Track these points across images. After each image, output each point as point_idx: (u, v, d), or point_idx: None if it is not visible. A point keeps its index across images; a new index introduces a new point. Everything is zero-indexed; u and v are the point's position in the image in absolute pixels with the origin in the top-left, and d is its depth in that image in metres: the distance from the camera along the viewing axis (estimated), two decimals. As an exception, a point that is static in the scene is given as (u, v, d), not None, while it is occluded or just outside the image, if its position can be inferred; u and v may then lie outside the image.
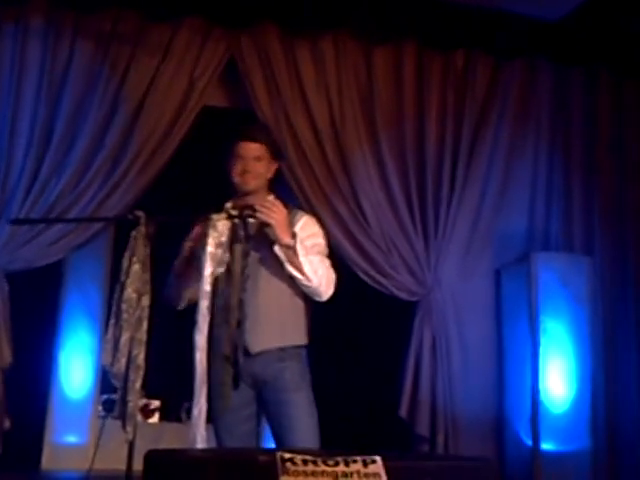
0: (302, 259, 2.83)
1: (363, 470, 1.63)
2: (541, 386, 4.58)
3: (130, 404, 2.47)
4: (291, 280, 2.89)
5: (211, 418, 2.84)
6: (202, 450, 2.10)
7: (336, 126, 4.84)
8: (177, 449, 1.76)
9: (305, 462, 1.62)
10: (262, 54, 4.80)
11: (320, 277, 2.88)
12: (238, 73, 4.79)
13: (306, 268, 2.84)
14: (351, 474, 1.62)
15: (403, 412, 4.57)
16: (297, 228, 2.97)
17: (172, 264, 3.02)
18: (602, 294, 4.98)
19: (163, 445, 4.87)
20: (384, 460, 1.65)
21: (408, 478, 1.66)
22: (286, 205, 2.97)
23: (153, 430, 5.54)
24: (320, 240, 3.06)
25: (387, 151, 4.89)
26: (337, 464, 1.64)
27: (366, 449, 1.75)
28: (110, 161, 4.49)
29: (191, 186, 5.37)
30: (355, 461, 1.65)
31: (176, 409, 5.84)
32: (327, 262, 3.00)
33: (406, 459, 1.88)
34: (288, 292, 2.94)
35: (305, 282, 2.87)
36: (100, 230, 4.50)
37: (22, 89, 4.47)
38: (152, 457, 1.71)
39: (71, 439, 5.06)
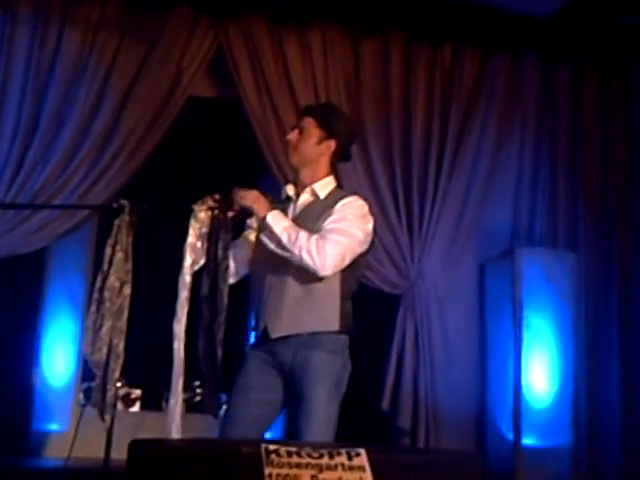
0: (278, 231, 2.65)
1: (347, 463, 1.64)
2: (523, 381, 4.60)
3: (109, 393, 2.46)
4: None
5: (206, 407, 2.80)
6: (187, 440, 2.09)
7: (323, 118, 4.83)
8: (162, 439, 1.75)
9: (289, 454, 1.61)
10: (250, 44, 4.79)
11: (300, 247, 2.63)
12: (225, 63, 4.78)
13: (284, 240, 2.64)
14: (335, 466, 1.62)
15: (385, 405, 4.59)
16: (336, 206, 2.75)
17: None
18: (586, 290, 5.00)
19: (144, 434, 4.85)
20: (368, 453, 1.65)
21: (392, 471, 1.66)
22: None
23: (134, 419, 5.51)
24: (346, 218, 2.73)
25: (373, 143, 4.90)
26: (321, 456, 1.64)
27: (347, 442, 1.75)
28: (96, 150, 4.48)
29: (177, 176, 5.34)
30: (339, 453, 1.65)
31: (157, 398, 5.83)
32: (335, 237, 2.67)
33: (391, 452, 1.89)
34: (308, 279, 2.71)
35: (291, 257, 2.66)
36: (85, 218, 4.50)
37: (9, 76, 4.45)
38: (136, 447, 1.70)
39: (53, 427, 5.02)
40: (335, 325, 2.75)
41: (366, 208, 2.81)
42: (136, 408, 5.90)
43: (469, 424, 4.76)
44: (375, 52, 5.03)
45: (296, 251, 2.64)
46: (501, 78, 5.22)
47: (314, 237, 2.66)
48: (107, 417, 2.43)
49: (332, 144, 2.83)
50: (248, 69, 4.76)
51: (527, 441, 4.55)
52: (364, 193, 4.76)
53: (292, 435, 2.74)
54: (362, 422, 4.67)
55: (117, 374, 2.47)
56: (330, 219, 2.73)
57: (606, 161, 5.31)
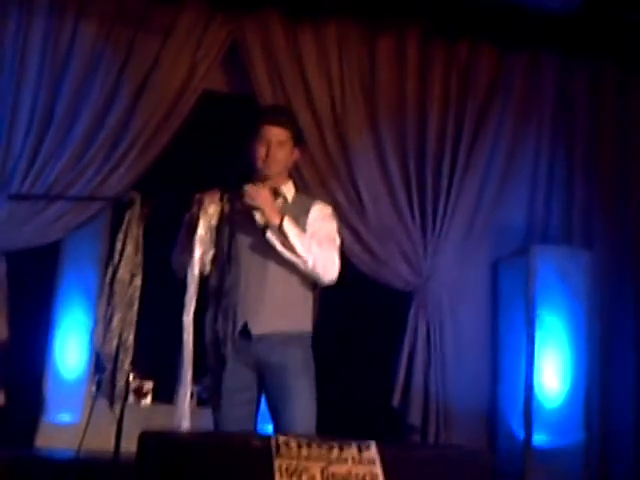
0: (293, 239, 2.80)
1: (357, 456, 1.63)
2: (535, 380, 4.57)
3: (118, 384, 2.46)
4: None
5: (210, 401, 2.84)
6: (197, 433, 2.09)
7: (337, 113, 4.83)
8: (171, 431, 1.75)
9: (300, 446, 1.61)
10: (264, 39, 4.77)
11: (314, 257, 2.83)
12: (239, 58, 4.78)
13: (298, 248, 2.80)
14: (345, 459, 1.62)
15: (395, 402, 4.57)
16: (311, 214, 2.96)
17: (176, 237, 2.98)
18: (600, 289, 4.95)
19: (155, 426, 4.84)
20: (379, 447, 1.64)
21: (402, 466, 1.65)
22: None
23: (146, 411, 5.51)
24: (327, 225, 2.99)
25: (387, 139, 4.87)
26: (331, 449, 1.63)
27: (356, 438, 1.74)
28: (110, 142, 4.48)
29: (190, 169, 5.34)
30: (349, 446, 1.65)
31: (169, 391, 5.82)
32: (328, 245, 2.91)
33: (401, 447, 1.88)
34: (297, 278, 2.90)
35: (301, 265, 2.84)
36: (98, 211, 4.51)
37: (25, 68, 4.46)
38: (146, 438, 1.70)
39: (65, 418, 5.02)
40: (308, 325, 2.94)
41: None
42: (148, 401, 5.90)
43: (480, 422, 4.72)
44: (391, 49, 5.00)
45: (310, 260, 2.82)
46: (518, 76, 5.17)
47: (321, 247, 2.85)
48: (117, 408, 2.43)
49: (297, 151, 3.03)
50: (262, 64, 4.75)
51: (538, 440, 4.52)
52: (377, 189, 4.82)
53: (277, 427, 2.79)
54: (372, 419, 4.68)
55: (127, 366, 2.47)
56: (316, 227, 2.91)
57: (623, 160, 5.26)
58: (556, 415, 4.56)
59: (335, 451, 1.63)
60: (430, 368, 4.64)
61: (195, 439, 1.76)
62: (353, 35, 4.95)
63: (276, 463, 1.56)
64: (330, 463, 1.60)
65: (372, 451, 1.64)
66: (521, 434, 4.58)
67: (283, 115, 3.07)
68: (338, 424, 3.11)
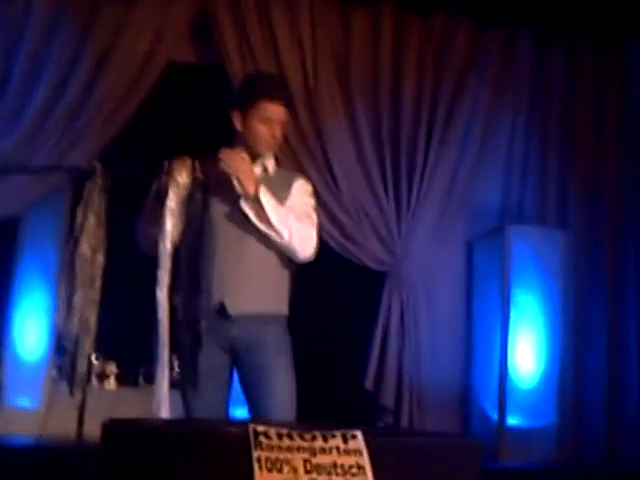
0: (269, 210, 2.65)
1: (343, 446, 1.50)
2: (510, 360, 4.51)
3: (80, 368, 2.32)
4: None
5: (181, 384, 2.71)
6: (167, 421, 1.95)
7: (309, 87, 4.69)
8: (139, 419, 1.61)
9: (280, 436, 1.48)
10: (234, 9, 4.60)
11: (291, 230, 2.69)
12: (208, 27, 4.60)
13: (274, 220, 2.65)
14: (330, 450, 1.48)
15: (369, 383, 4.49)
16: (293, 188, 2.83)
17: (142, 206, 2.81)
18: (574, 269, 4.91)
19: (120, 411, 4.72)
20: (365, 435, 1.52)
21: (390, 455, 1.53)
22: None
23: (109, 395, 5.38)
24: (307, 200, 2.87)
25: (361, 114, 4.75)
26: (314, 439, 1.50)
27: (327, 420, 1.62)
28: (71, 112, 4.30)
29: (156, 140, 5.18)
30: (334, 436, 1.52)
31: (133, 374, 5.69)
32: (306, 220, 2.79)
33: (388, 435, 1.76)
34: (275, 254, 2.75)
35: (277, 238, 2.69)
36: (57, 185, 4.33)
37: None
38: (112, 428, 1.55)
39: (24, 402, 4.88)
40: (285, 306, 2.82)
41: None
42: (111, 384, 5.77)
43: (454, 403, 4.66)
44: (365, 21, 4.86)
45: (285, 233, 2.67)
46: (494, 51, 5.07)
47: (299, 220, 2.72)
48: (77, 393, 2.29)
49: None
50: (232, 35, 4.59)
51: (512, 421, 4.47)
52: (351, 166, 4.71)
53: (253, 409, 2.68)
54: (345, 400, 4.60)
55: (88, 348, 2.33)
56: (295, 202, 2.78)
57: (598, 139, 5.19)
58: (530, 396, 4.52)
59: (319, 441, 1.50)
60: (404, 349, 4.56)
61: (165, 428, 1.62)
62: (326, 7, 4.80)
63: (255, 454, 1.43)
64: (313, 454, 1.47)
65: (358, 441, 1.51)
66: (495, 415, 4.52)
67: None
68: (311, 406, 3.02)
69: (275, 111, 2.74)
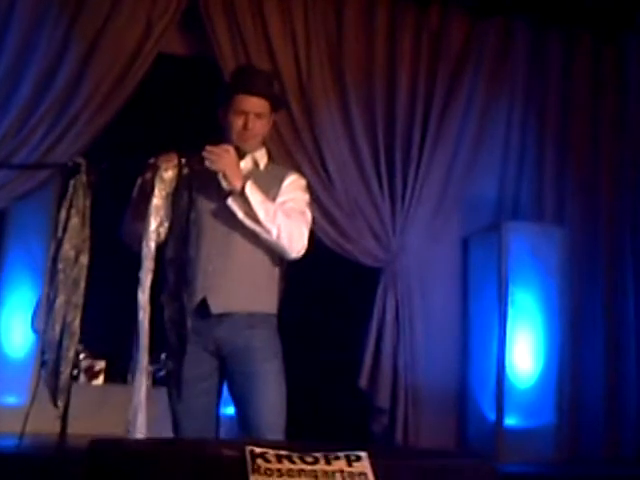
0: (256, 206, 2.54)
1: (347, 469, 1.40)
2: (507, 360, 4.43)
3: (63, 375, 2.20)
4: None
5: (167, 388, 2.62)
6: (157, 441, 1.83)
7: (302, 80, 4.60)
8: (126, 439, 1.49)
9: (279, 459, 1.37)
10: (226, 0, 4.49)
11: (279, 227, 2.58)
12: (199, 18, 4.49)
13: (261, 216, 2.54)
14: (333, 473, 1.38)
15: (363, 383, 4.41)
16: (284, 183, 2.72)
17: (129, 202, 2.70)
18: (572, 266, 4.83)
19: (107, 408, 4.66)
20: (371, 457, 1.41)
21: (398, 478, 1.43)
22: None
23: (98, 392, 5.30)
24: (299, 195, 2.76)
25: (355, 109, 4.66)
26: (316, 461, 1.40)
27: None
28: (58, 106, 4.20)
29: (143, 136, 5.08)
30: (337, 458, 1.41)
31: (122, 370, 5.61)
32: (297, 216, 2.68)
33: (396, 456, 1.65)
34: (264, 252, 2.65)
35: (265, 235, 2.58)
36: (45, 180, 4.21)
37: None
38: (97, 447, 1.44)
39: (10, 400, 4.79)
40: (274, 306, 2.71)
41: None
42: (100, 381, 5.69)
43: (450, 403, 4.59)
44: (359, 13, 4.77)
45: (274, 230, 2.57)
46: (490, 43, 4.98)
47: (287, 217, 2.61)
48: (60, 403, 2.17)
49: (273, 118, 2.82)
50: (224, 26, 4.49)
51: (509, 421, 4.40)
52: (344, 161, 4.61)
53: (242, 420, 2.58)
54: (339, 400, 4.53)
55: (72, 354, 2.21)
56: (286, 197, 2.68)
57: (595, 133, 5.12)
58: (528, 396, 4.45)
59: (321, 464, 1.39)
60: (399, 348, 4.48)
61: (155, 448, 1.51)
62: (320, -3, 4.70)
63: (252, 479, 1.32)
64: (316, 478, 1.36)
65: (364, 462, 1.41)
66: (492, 415, 4.44)
67: (260, 82, 2.76)
68: (304, 408, 2.92)
69: (248, 103, 2.66)
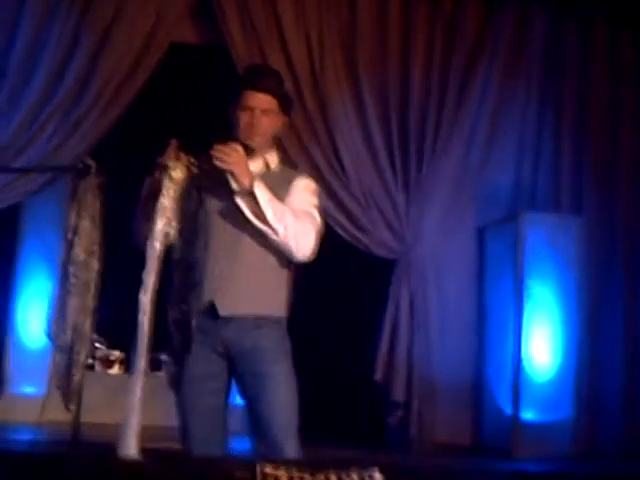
0: (264, 205, 2.51)
1: (359, 488, 1.38)
2: (523, 353, 4.38)
3: (75, 378, 2.19)
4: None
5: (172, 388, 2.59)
6: (166, 456, 1.81)
7: (315, 72, 4.56)
8: (132, 456, 1.47)
9: (291, 478, 1.35)
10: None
11: (287, 227, 2.54)
12: (210, 7, 4.47)
13: (269, 215, 2.51)
14: (345, 492, 1.36)
15: (378, 376, 4.39)
16: (293, 184, 2.67)
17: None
18: (590, 257, 4.76)
19: (123, 397, 4.71)
20: (382, 472, 1.39)
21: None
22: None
23: (114, 381, 5.33)
24: (308, 198, 2.69)
25: (369, 99, 4.62)
26: (328, 479, 1.37)
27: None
28: (68, 101, 4.21)
29: (156, 130, 5.07)
30: (349, 475, 1.39)
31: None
32: (305, 218, 2.62)
33: (410, 474, 1.62)
34: (273, 253, 2.60)
35: (272, 234, 2.54)
36: (53, 178, 4.27)
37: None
38: (104, 464, 1.42)
39: (28, 390, 4.85)
40: (283, 309, 2.67)
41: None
42: (116, 370, 5.73)
43: (466, 397, 4.56)
44: (372, 2, 4.71)
45: (281, 230, 2.53)
46: (505, 32, 4.90)
47: (296, 217, 2.57)
48: (72, 407, 2.16)
49: (285, 120, 2.75)
50: (236, 17, 4.46)
51: (526, 415, 4.35)
52: (358, 152, 4.58)
53: (254, 421, 2.54)
54: (354, 394, 4.52)
55: (83, 357, 2.20)
56: (295, 199, 2.64)
57: (613, 121, 5.02)
58: (545, 390, 4.40)
59: (333, 482, 1.37)
60: (414, 340, 4.45)
61: (163, 466, 1.49)
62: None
63: (263, 499, 1.30)
64: (327, 497, 1.34)
65: (376, 479, 1.38)
66: (508, 409, 4.40)
67: (269, 79, 2.74)
68: (319, 403, 2.90)
69: (255, 99, 2.62)
